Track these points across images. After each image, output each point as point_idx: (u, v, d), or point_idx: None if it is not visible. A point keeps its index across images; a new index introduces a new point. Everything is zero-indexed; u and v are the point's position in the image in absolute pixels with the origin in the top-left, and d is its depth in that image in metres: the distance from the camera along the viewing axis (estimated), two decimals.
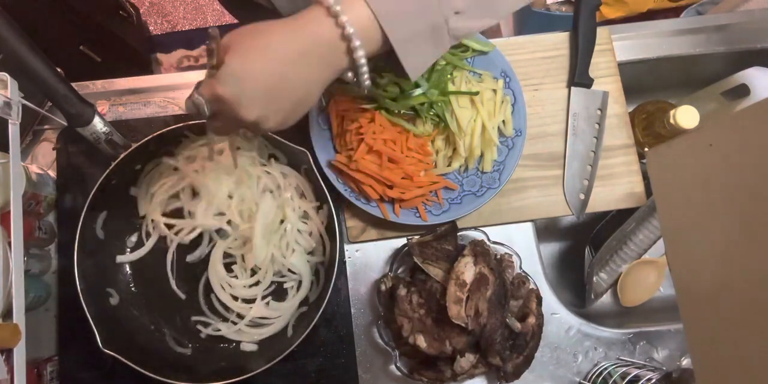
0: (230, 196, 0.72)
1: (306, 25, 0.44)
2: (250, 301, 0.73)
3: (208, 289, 0.74)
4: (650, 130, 0.81)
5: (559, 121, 0.81)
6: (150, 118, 0.80)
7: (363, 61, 0.45)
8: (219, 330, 0.72)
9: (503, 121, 0.74)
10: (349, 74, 0.48)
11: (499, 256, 0.71)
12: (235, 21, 1.69)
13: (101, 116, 0.70)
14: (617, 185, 0.79)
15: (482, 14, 0.48)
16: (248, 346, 0.71)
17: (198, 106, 0.44)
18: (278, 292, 0.74)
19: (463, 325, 0.61)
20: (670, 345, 0.75)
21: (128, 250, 0.75)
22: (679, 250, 0.46)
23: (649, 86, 0.92)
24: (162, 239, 0.75)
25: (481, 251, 0.66)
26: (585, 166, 0.79)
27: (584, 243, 0.90)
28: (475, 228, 0.73)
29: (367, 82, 0.48)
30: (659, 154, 0.49)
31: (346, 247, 0.77)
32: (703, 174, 0.44)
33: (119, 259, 0.73)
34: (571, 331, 0.76)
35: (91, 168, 0.76)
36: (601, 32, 0.82)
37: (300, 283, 0.73)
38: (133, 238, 0.76)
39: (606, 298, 0.88)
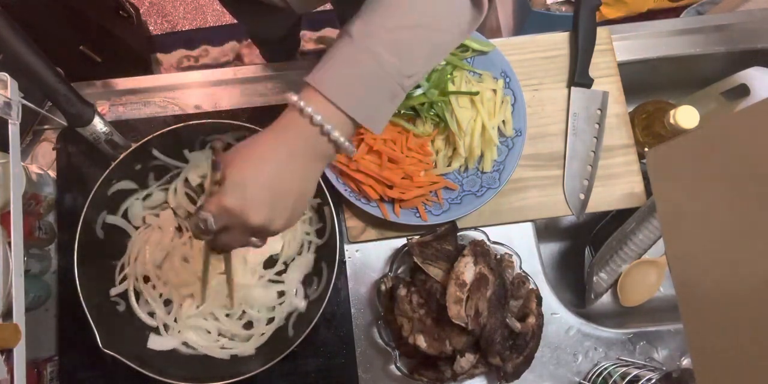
0: None
1: (284, 128, 0.48)
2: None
3: None
4: (650, 130, 0.81)
5: (559, 121, 0.81)
6: (150, 118, 0.80)
7: (342, 139, 0.48)
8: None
9: (503, 121, 0.74)
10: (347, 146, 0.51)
11: (499, 256, 0.71)
12: (235, 21, 1.68)
13: (101, 116, 0.70)
14: (617, 185, 0.79)
15: (431, 64, 0.52)
16: (246, 352, 0.71)
17: (205, 221, 0.47)
18: None
19: (463, 325, 0.61)
20: (670, 345, 0.75)
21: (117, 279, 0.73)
22: (679, 250, 0.46)
23: (649, 86, 0.91)
24: None
25: (481, 251, 0.66)
26: (585, 166, 0.79)
27: (584, 243, 0.90)
28: (475, 228, 0.73)
29: (352, 149, 0.51)
30: (659, 154, 0.49)
31: (346, 247, 0.77)
32: (703, 174, 0.44)
33: (113, 291, 0.71)
34: (571, 331, 0.76)
35: (91, 168, 0.76)
36: (601, 32, 0.82)
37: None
38: None
39: (606, 298, 0.88)
